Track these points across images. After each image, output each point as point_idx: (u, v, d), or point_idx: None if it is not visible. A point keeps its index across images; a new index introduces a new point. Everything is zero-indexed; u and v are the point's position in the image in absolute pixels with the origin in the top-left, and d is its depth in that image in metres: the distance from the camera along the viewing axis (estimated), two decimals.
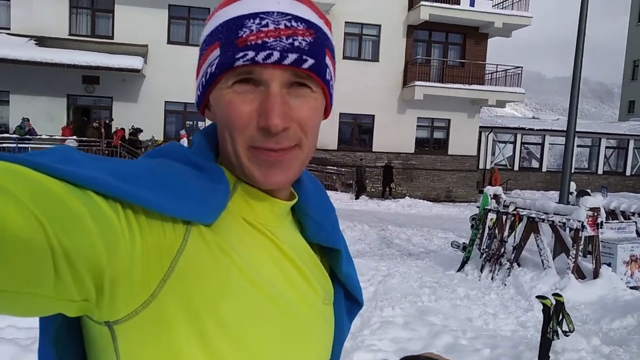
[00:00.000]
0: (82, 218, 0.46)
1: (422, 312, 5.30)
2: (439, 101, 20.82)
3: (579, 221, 6.32)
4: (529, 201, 7.64)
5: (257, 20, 0.61)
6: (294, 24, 0.62)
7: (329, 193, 18.18)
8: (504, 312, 5.62)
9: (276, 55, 0.60)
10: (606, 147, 27.93)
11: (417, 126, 21.59)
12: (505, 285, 6.58)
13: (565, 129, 8.34)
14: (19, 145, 15.61)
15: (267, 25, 0.61)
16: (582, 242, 6.54)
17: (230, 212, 0.63)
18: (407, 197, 19.20)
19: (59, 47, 16.79)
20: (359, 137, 21.44)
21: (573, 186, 9.30)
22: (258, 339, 0.61)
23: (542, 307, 3.60)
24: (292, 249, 0.68)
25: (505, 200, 7.73)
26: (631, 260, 6.71)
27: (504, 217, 7.34)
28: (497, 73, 22.12)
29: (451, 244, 8.50)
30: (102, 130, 16.92)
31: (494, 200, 7.87)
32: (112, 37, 18.35)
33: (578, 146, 26.80)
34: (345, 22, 20.25)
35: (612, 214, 8.29)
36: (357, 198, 18.56)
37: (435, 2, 19.97)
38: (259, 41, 0.60)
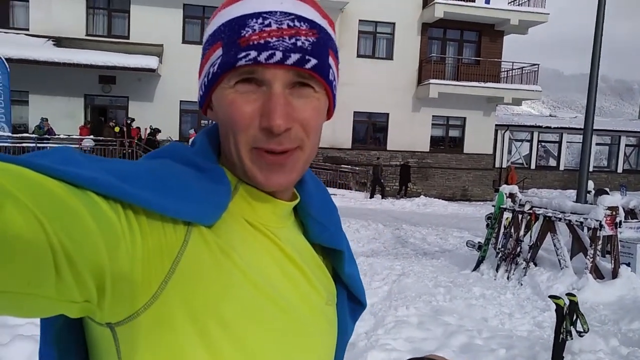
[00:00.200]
0: (82, 218, 0.47)
1: (436, 312, 5.26)
2: (454, 99, 20.66)
3: (597, 220, 6.22)
4: (545, 200, 7.53)
5: (260, 20, 0.61)
6: (297, 23, 0.62)
7: (343, 192, 18.27)
8: (520, 312, 5.56)
9: (279, 55, 0.60)
10: (626, 145, 27.47)
11: (432, 124, 21.45)
12: (522, 284, 6.51)
13: (583, 126, 8.21)
14: (38, 144, 15.85)
15: (269, 25, 0.61)
16: (600, 242, 6.44)
17: (231, 213, 0.63)
18: (422, 196, 19.10)
19: (77, 47, 17.04)
20: (374, 136, 21.38)
21: (591, 185, 9.18)
22: (260, 340, 0.60)
23: (555, 307, 3.55)
24: (294, 249, 0.68)
25: (521, 199, 7.64)
26: None
27: (520, 216, 7.26)
28: (513, 71, 21.87)
29: (466, 243, 8.43)
30: (124, 130, 17.09)
31: (509, 199, 7.79)
32: (128, 37, 18.55)
33: (597, 144, 26.41)
34: (359, 20, 20.19)
35: (631, 213, 8.13)
36: (371, 197, 18.50)
37: None
38: (262, 41, 0.60)
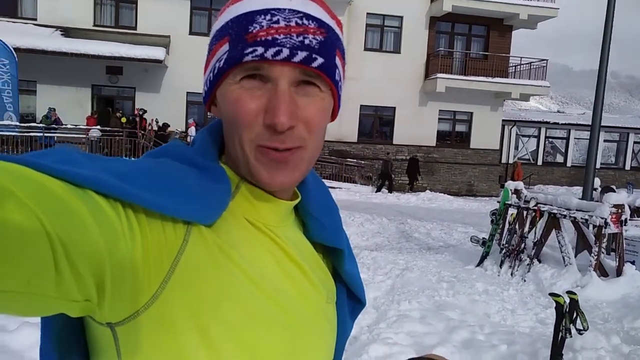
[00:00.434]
0: (82, 216, 0.47)
1: (439, 307, 5.28)
2: (461, 94, 20.56)
3: (602, 218, 6.19)
4: (551, 197, 7.50)
5: (268, 17, 0.61)
6: (305, 22, 0.62)
7: (348, 185, 18.26)
8: (523, 308, 5.56)
9: (286, 52, 0.60)
10: (634, 142, 27.25)
11: (439, 119, 21.37)
12: (525, 281, 6.50)
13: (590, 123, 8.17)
14: (45, 134, 15.93)
15: (277, 21, 0.60)
16: (605, 239, 6.42)
17: (232, 213, 0.63)
18: (427, 191, 19.07)
19: (84, 37, 17.08)
20: (380, 130, 21.33)
21: (597, 182, 9.12)
22: (260, 339, 0.61)
23: (555, 304, 3.55)
24: (294, 248, 0.68)
25: (526, 196, 7.61)
26: None
27: (525, 213, 7.24)
28: (522, 66, 21.71)
29: (471, 238, 8.42)
30: (138, 121, 17.12)
31: (514, 195, 7.77)
32: (135, 28, 18.57)
33: (605, 141, 26.23)
34: (367, 14, 20.09)
35: (637, 211, 8.09)
36: (378, 191, 18.47)
37: None
38: (269, 37, 0.60)
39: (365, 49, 20.10)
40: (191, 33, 18.78)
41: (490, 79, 20.45)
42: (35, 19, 17.83)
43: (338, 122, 19.59)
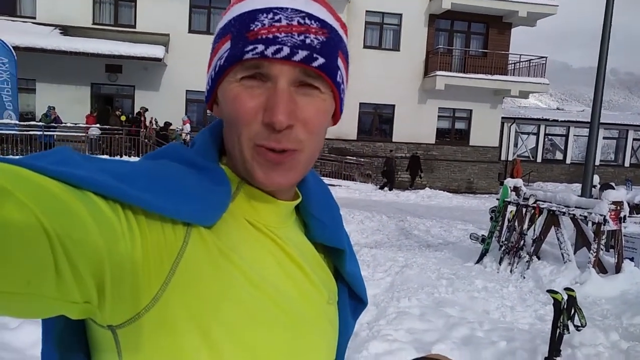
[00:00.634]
0: (81, 217, 0.46)
1: (438, 304, 5.29)
2: (460, 91, 20.55)
3: (601, 215, 6.21)
4: (550, 194, 7.52)
5: (270, 15, 0.60)
6: (307, 21, 0.61)
7: (348, 183, 18.26)
8: (522, 305, 5.58)
9: (286, 50, 0.59)
10: (634, 139, 27.28)
11: (438, 116, 21.37)
12: (524, 278, 6.52)
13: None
14: (45, 132, 15.93)
15: (279, 20, 0.60)
16: (604, 236, 6.43)
17: (232, 214, 0.63)
18: (427, 188, 19.08)
19: (83, 36, 17.05)
20: (379, 127, 21.33)
21: (597, 179, 9.13)
22: (261, 340, 0.60)
23: (553, 301, 3.57)
24: (295, 248, 0.68)
25: (525, 193, 7.63)
26: None
27: (524, 210, 7.26)
28: (521, 63, 21.71)
29: (470, 236, 8.43)
30: (141, 119, 17.11)
31: (514, 193, 7.78)
32: (134, 26, 18.54)
33: (604, 138, 26.25)
34: (366, 11, 20.07)
35: (636, 208, 8.11)
36: (381, 188, 18.44)
37: None
38: (270, 35, 0.59)
39: (365, 47, 20.08)
40: (190, 31, 18.76)
41: (489, 77, 20.44)
42: (35, 18, 17.80)
43: None
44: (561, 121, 26.35)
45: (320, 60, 0.61)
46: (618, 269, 6.27)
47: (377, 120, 21.20)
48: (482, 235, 8.07)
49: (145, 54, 16.81)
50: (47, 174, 0.47)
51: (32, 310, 0.45)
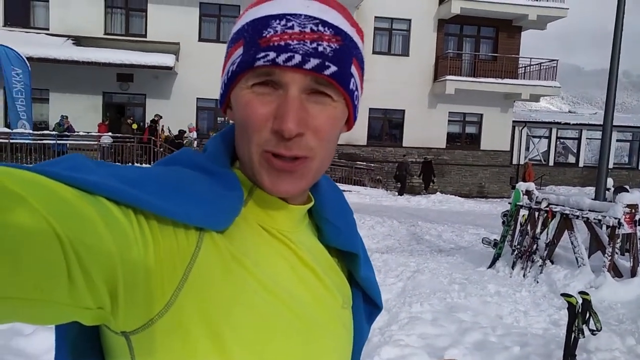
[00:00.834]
0: (94, 222, 0.46)
1: (451, 309, 5.25)
2: (471, 96, 20.49)
3: (616, 218, 6.13)
4: (563, 197, 7.44)
5: (283, 22, 0.60)
6: (320, 28, 0.60)
7: (359, 188, 18.24)
8: (536, 309, 5.51)
9: (297, 58, 0.58)
10: None
11: (449, 121, 21.31)
12: (538, 282, 6.45)
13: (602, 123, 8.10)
14: (58, 141, 16.14)
15: (292, 27, 0.59)
16: (619, 240, 6.35)
17: (245, 219, 0.63)
18: (438, 193, 19.00)
19: (95, 46, 17.31)
20: (389, 132, 21.31)
21: (610, 182, 9.02)
22: (274, 346, 0.60)
23: (567, 305, 3.53)
24: (308, 253, 0.68)
25: (537, 197, 7.56)
26: None
27: (537, 214, 7.19)
28: (531, 66, 21.59)
29: (482, 240, 8.37)
30: (156, 128, 17.25)
31: (526, 196, 7.72)
32: (145, 36, 18.77)
33: (618, 140, 25.96)
34: (375, 17, 20.12)
35: None
36: (400, 194, 18.34)
37: None
38: (282, 42, 0.59)
39: (374, 52, 20.11)
40: (200, 40, 18.93)
41: (499, 80, 20.35)
42: (48, 29, 18.11)
43: None
44: (573, 124, 26.12)
45: (333, 69, 0.60)
46: (634, 273, 6.18)
47: (387, 125, 21.18)
48: (495, 239, 8.01)
49: (156, 63, 17.00)
50: (60, 179, 0.47)
51: (45, 316, 0.45)
